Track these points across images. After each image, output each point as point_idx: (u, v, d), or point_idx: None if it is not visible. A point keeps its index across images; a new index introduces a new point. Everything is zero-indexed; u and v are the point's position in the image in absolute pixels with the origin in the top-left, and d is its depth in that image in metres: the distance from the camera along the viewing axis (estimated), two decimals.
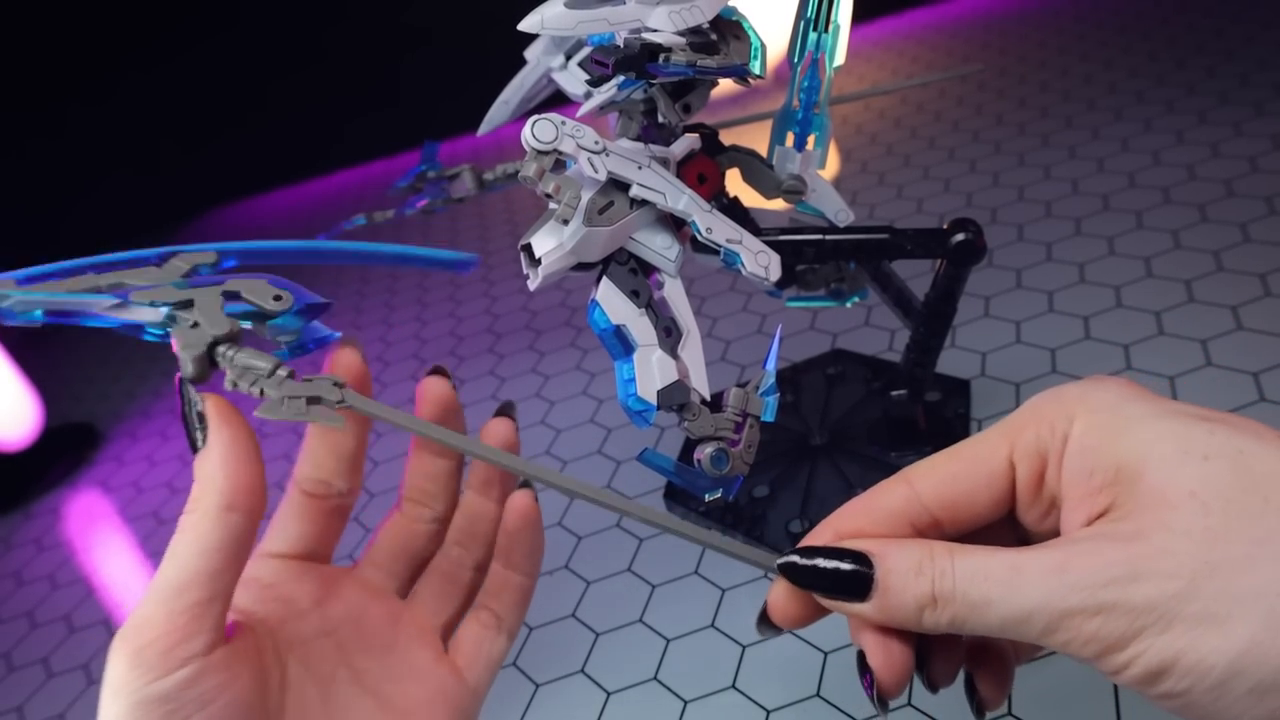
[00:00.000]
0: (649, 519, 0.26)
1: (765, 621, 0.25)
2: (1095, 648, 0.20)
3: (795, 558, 0.24)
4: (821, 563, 0.23)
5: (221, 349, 0.24)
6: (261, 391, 0.23)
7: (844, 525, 0.25)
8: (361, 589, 0.28)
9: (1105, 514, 0.21)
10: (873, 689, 0.24)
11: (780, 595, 0.25)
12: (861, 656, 0.24)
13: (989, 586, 0.21)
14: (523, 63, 0.44)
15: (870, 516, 0.24)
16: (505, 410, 0.31)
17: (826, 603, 0.24)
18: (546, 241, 0.30)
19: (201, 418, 0.24)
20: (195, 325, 0.24)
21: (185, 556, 0.22)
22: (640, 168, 0.31)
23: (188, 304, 0.24)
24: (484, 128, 0.45)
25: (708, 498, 0.31)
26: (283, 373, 0.23)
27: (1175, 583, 0.19)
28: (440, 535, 0.30)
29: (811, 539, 0.25)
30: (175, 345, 0.24)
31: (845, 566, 0.23)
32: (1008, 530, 0.25)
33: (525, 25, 0.31)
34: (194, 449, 0.24)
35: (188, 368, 0.24)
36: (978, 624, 0.21)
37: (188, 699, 0.22)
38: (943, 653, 0.25)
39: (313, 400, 0.24)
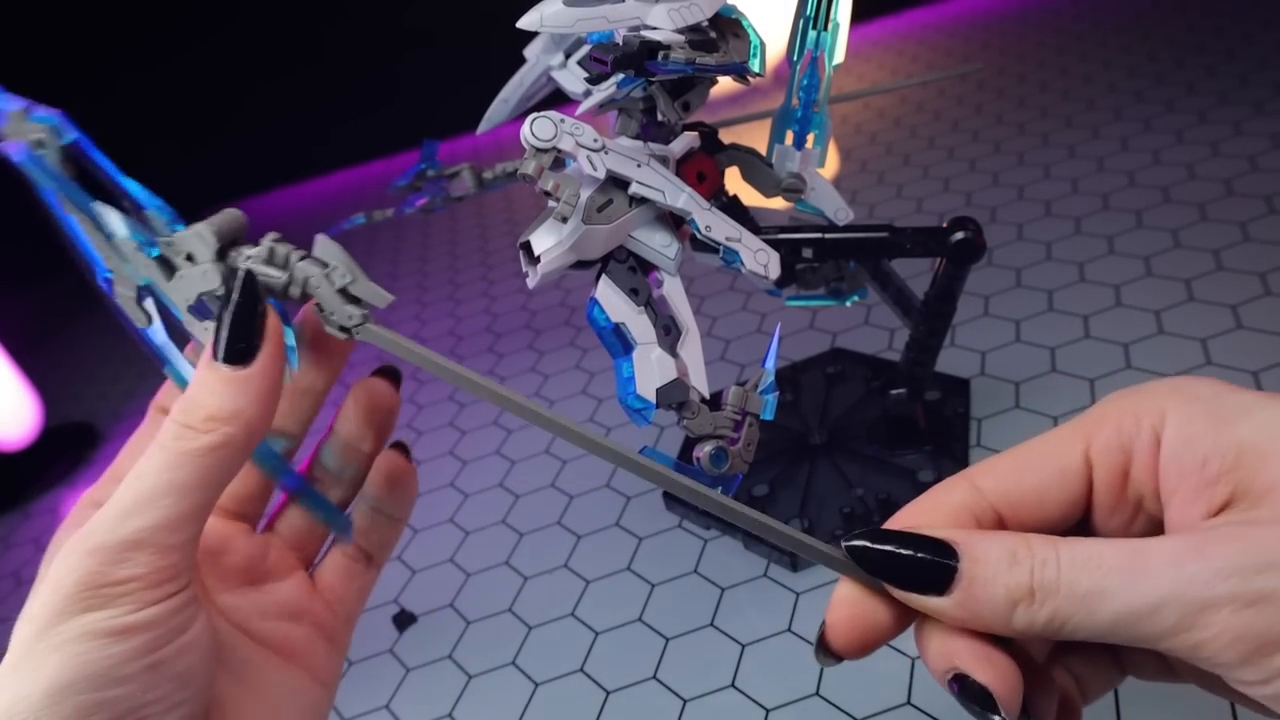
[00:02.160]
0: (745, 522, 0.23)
1: (824, 649, 0.22)
2: (1242, 648, 0.17)
3: (866, 541, 0.21)
4: (896, 548, 0.20)
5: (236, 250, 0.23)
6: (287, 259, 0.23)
7: (908, 523, 0.22)
8: (218, 523, 0.26)
9: (1230, 504, 0.19)
10: (996, 710, 0.20)
11: (840, 617, 0.21)
12: (960, 680, 0.20)
13: (1102, 574, 0.18)
14: (522, 61, 0.44)
15: (933, 514, 0.22)
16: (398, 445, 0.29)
17: (899, 595, 0.20)
18: (545, 239, 0.30)
19: (258, 331, 0.22)
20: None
21: (191, 487, 0.20)
22: (639, 166, 0.31)
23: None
24: (483, 126, 0.45)
25: None
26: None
27: None
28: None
29: None
30: (184, 232, 0.22)
31: (923, 555, 0.20)
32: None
33: (524, 23, 0.31)
34: (230, 360, 0.21)
35: (206, 241, 0.22)
36: (1084, 622, 0.18)
37: (171, 626, 0.20)
38: (1034, 684, 0.21)
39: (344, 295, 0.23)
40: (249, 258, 0.23)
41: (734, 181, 0.41)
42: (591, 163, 0.29)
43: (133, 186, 0.23)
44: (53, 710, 0.19)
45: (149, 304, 0.24)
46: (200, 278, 0.23)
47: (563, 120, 0.29)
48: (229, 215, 0.23)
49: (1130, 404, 0.21)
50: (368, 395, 0.28)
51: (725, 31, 0.32)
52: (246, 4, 1.42)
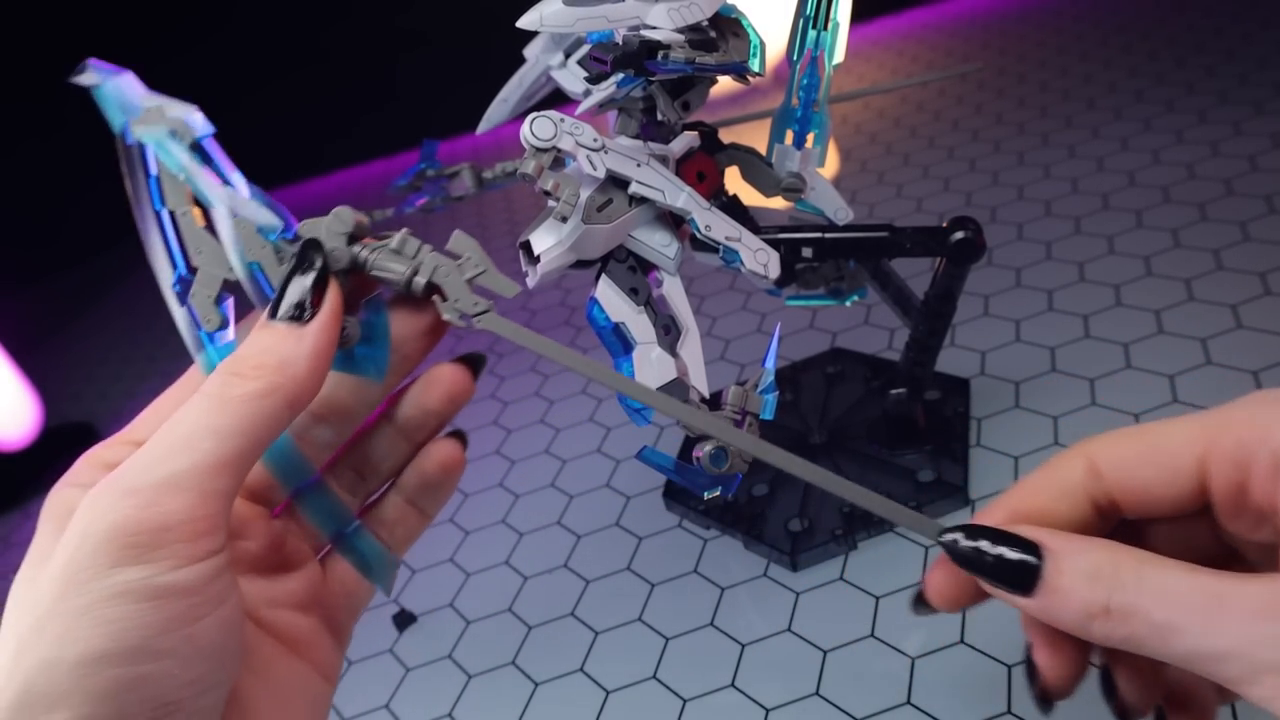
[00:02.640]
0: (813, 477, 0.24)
1: (921, 602, 0.23)
2: None
3: (959, 535, 0.21)
4: (986, 545, 0.21)
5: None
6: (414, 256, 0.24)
7: (1023, 501, 0.22)
8: (239, 505, 0.25)
9: None
10: (1035, 686, 0.22)
11: (941, 575, 0.23)
12: (1030, 650, 0.22)
13: (1178, 612, 0.18)
14: (521, 61, 0.44)
15: (1050, 492, 0.22)
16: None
17: (988, 588, 0.21)
18: (545, 239, 0.30)
19: (319, 292, 0.22)
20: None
21: (232, 434, 0.20)
22: (639, 165, 0.31)
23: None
24: (483, 126, 0.45)
25: (707, 495, 0.31)
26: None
27: None
28: (324, 456, 0.27)
29: (987, 514, 0.23)
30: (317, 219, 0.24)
31: (1011, 554, 0.20)
32: (1205, 527, 0.22)
33: (524, 22, 0.31)
34: (289, 317, 0.21)
35: (345, 222, 0.24)
36: (1159, 649, 0.19)
37: (209, 594, 0.19)
38: (1132, 674, 0.22)
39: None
40: (377, 247, 0.24)
41: (734, 181, 0.41)
42: (591, 162, 0.29)
43: (242, 184, 0.24)
44: (82, 684, 0.17)
45: (227, 306, 0.24)
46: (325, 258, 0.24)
47: (562, 120, 0.29)
48: (360, 215, 0.25)
49: (1263, 415, 0.20)
50: (449, 381, 0.27)
51: (725, 31, 0.32)
52: (246, 4, 1.42)
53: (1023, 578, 0.20)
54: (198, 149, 0.24)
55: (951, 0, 1.35)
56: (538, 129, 0.28)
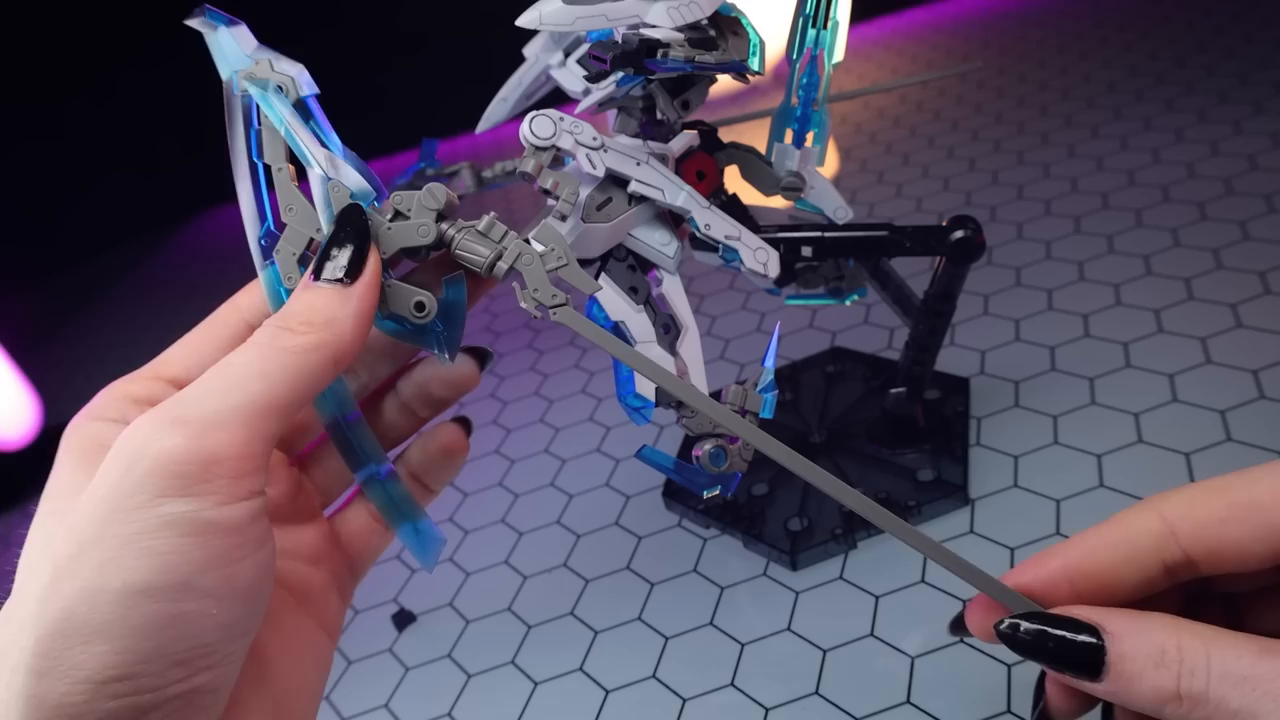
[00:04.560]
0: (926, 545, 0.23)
1: (960, 628, 0.23)
2: None
3: (1020, 622, 0.21)
4: (1051, 630, 0.20)
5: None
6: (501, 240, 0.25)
7: (1083, 559, 0.21)
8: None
9: None
10: (1037, 709, 0.22)
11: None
12: (1043, 675, 0.22)
13: (1256, 697, 0.17)
14: (521, 60, 0.44)
15: (1115, 552, 0.21)
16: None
17: (1054, 675, 0.21)
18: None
19: (362, 255, 0.22)
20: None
21: (280, 380, 0.20)
22: (639, 164, 0.31)
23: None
24: (482, 125, 0.45)
25: (706, 494, 0.31)
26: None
27: None
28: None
29: (1039, 564, 0.22)
30: (412, 192, 0.24)
31: (1076, 637, 0.20)
32: None
33: (523, 21, 0.31)
34: (334, 279, 0.22)
35: (437, 199, 0.24)
36: None
37: (250, 535, 0.19)
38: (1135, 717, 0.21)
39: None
40: (464, 228, 0.25)
41: (733, 180, 0.41)
42: (591, 161, 0.29)
43: (338, 147, 0.25)
44: (124, 616, 0.17)
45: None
46: (413, 232, 0.24)
47: (562, 118, 0.29)
48: (451, 194, 0.25)
49: None
50: (454, 367, 0.27)
51: (724, 29, 0.32)
52: (244, 4, 1.42)
53: (1088, 663, 0.20)
54: (301, 107, 0.24)
55: (951, 0, 1.35)
56: (537, 127, 0.28)
